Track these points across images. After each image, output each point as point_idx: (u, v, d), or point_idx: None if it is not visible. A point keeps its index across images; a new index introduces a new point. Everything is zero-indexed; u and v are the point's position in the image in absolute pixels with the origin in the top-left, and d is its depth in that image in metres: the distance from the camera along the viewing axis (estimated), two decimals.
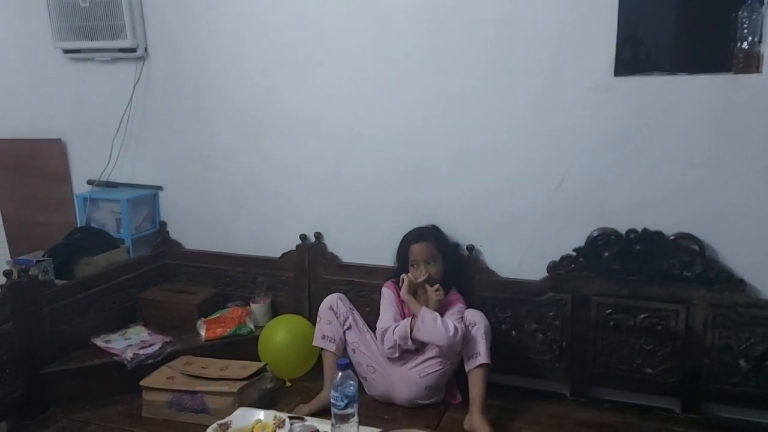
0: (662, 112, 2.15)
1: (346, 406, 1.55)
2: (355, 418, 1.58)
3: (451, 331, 2.13)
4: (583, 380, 2.36)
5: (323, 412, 2.19)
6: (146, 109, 2.93)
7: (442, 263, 2.33)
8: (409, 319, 2.24)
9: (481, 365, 2.14)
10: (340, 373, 1.57)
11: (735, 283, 2.12)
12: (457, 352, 2.19)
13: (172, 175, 2.99)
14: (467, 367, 2.17)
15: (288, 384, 2.50)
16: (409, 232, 2.40)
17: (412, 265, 2.32)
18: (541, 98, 2.28)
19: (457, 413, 2.24)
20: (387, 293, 2.38)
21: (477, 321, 2.19)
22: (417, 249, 2.34)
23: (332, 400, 1.56)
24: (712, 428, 2.15)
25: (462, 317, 2.23)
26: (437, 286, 2.25)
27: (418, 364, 2.25)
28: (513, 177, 2.38)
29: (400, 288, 2.30)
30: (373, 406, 2.30)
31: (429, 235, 2.39)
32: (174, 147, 2.94)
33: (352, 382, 1.58)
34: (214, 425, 1.67)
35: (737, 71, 2.05)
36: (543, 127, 2.30)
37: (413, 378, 2.25)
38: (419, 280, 2.26)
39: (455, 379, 2.32)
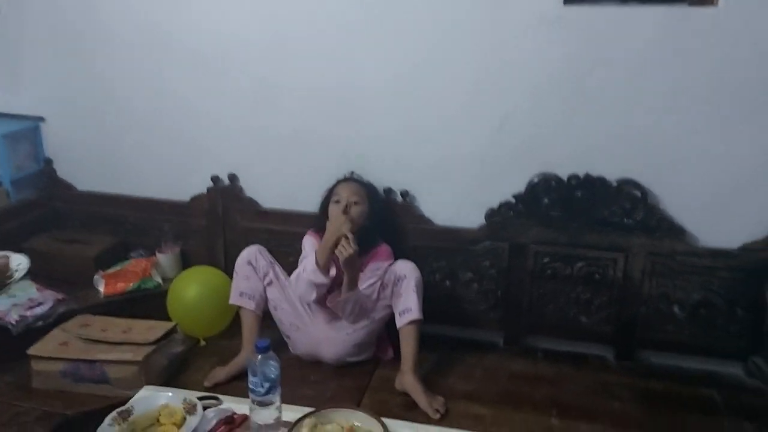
0: (612, 46, 1.98)
1: (267, 392, 1.35)
2: (278, 403, 1.39)
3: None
4: (517, 329, 2.28)
5: (241, 377, 2.01)
6: (20, 26, 2.47)
7: (369, 211, 2.10)
8: (314, 253, 2.02)
9: (412, 321, 1.99)
10: (259, 356, 1.35)
11: (675, 231, 2.05)
12: (370, 309, 2.04)
13: (56, 105, 2.58)
14: (398, 324, 2.01)
15: (202, 343, 2.28)
16: (344, 176, 2.19)
17: (336, 201, 2.08)
18: (484, 28, 2.05)
19: (388, 370, 2.11)
20: (308, 242, 2.14)
21: (407, 274, 2.01)
22: (344, 186, 2.12)
23: (251, 386, 1.36)
24: (645, 375, 2.13)
25: (382, 278, 2.04)
26: (351, 237, 1.96)
27: (343, 321, 2.08)
28: (451, 117, 2.17)
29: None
30: (297, 366, 2.12)
31: (361, 180, 2.17)
32: (57, 72, 2.52)
33: (273, 362, 1.37)
34: (113, 414, 1.43)
35: (692, 3, 1.90)
36: (485, 61, 2.08)
37: (340, 336, 2.08)
38: (341, 209, 2.03)
39: (386, 333, 2.17)
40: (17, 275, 1.75)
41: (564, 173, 2.10)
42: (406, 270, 2.02)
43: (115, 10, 2.38)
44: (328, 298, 2.06)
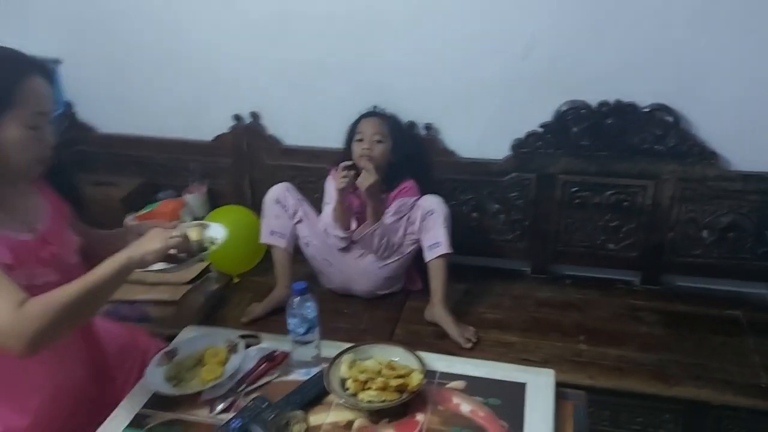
0: None
1: (306, 332, 1.39)
2: (316, 342, 1.43)
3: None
4: (544, 258, 2.30)
5: (277, 312, 2.08)
6: None
7: (391, 148, 2.08)
8: (331, 206, 2.07)
9: (441, 255, 2.01)
10: (297, 298, 1.38)
11: (707, 156, 2.01)
12: (398, 244, 2.07)
13: (73, 46, 2.50)
14: (426, 258, 2.04)
15: (236, 280, 2.33)
16: (366, 111, 2.15)
17: (359, 140, 2.07)
18: None
19: (417, 301, 2.16)
20: (330, 186, 2.14)
21: (435, 208, 2.02)
22: (366, 122, 2.09)
23: (290, 327, 1.40)
24: (671, 298, 2.16)
25: (408, 213, 2.06)
26: (371, 166, 1.98)
27: (374, 255, 2.11)
28: (474, 42, 2.08)
29: None
30: (330, 299, 2.18)
31: (384, 114, 2.14)
32: (71, 11, 2.43)
33: (311, 303, 1.40)
34: (160, 354, 1.49)
35: None
36: None
37: (372, 269, 2.12)
38: (358, 155, 2.02)
39: (414, 265, 2.20)
40: (213, 247, 1.42)
41: (593, 100, 2.04)
42: (434, 204, 2.03)
43: None
44: (356, 231, 2.09)
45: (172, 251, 1.30)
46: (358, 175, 1.98)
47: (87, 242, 1.44)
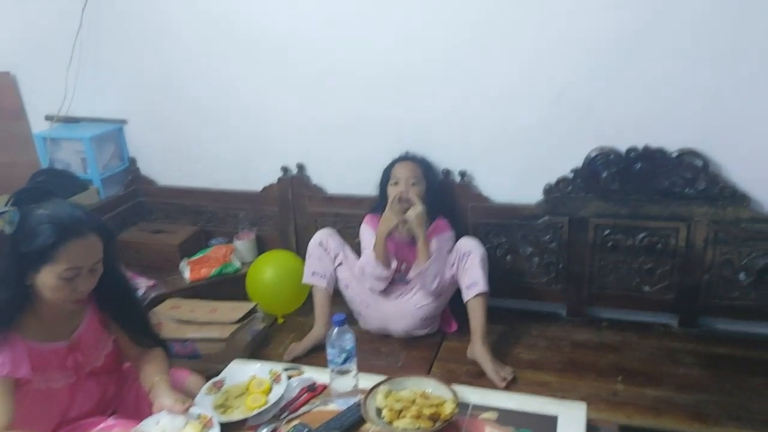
0: (668, 12, 1.96)
1: (344, 362, 1.48)
2: (354, 372, 1.51)
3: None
4: (580, 301, 2.33)
5: (317, 349, 2.17)
6: (100, 34, 2.65)
7: (426, 189, 2.19)
8: (369, 249, 2.16)
9: (479, 294, 2.08)
10: (336, 329, 1.48)
11: (739, 198, 2.05)
12: (437, 285, 2.12)
13: (136, 107, 2.77)
14: (465, 297, 2.11)
15: (281, 321, 2.44)
16: (399, 156, 2.29)
17: (395, 183, 2.18)
18: (538, 8, 2.07)
19: (454, 342, 2.22)
20: (365, 232, 2.25)
21: (472, 249, 2.10)
22: (401, 166, 2.21)
23: (329, 357, 1.49)
24: (709, 340, 2.15)
25: (451, 247, 2.15)
26: (416, 198, 2.09)
27: (413, 296, 2.20)
28: (506, 92, 2.21)
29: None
30: (369, 340, 2.26)
31: (416, 158, 2.27)
32: (136, 75, 2.70)
33: (349, 335, 1.49)
34: (208, 384, 1.60)
35: None
36: (538, 32, 2.11)
37: (409, 310, 2.20)
38: (398, 194, 2.11)
39: (449, 306, 2.28)
40: None
41: (622, 145, 2.11)
42: (471, 246, 2.11)
43: (182, 13, 2.52)
44: (409, 276, 2.17)
45: None
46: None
47: (122, 346, 1.62)
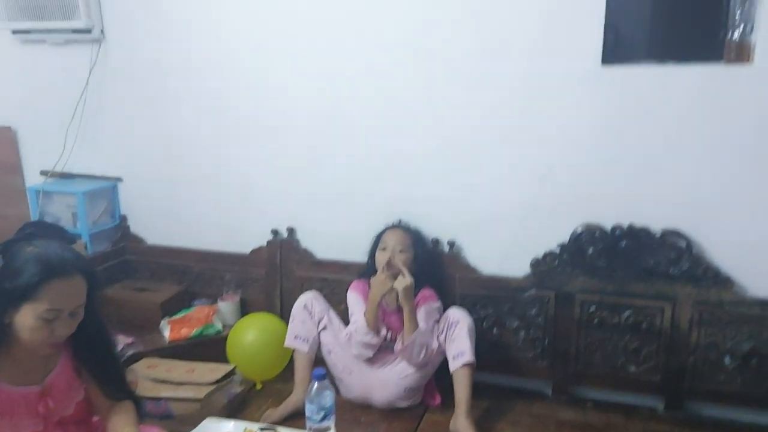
0: (651, 102, 2.07)
1: (322, 419, 1.44)
2: (333, 430, 1.47)
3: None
4: (565, 379, 2.29)
5: (294, 416, 2.10)
6: (103, 96, 2.73)
7: (413, 257, 2.20)
8: (362, 315, 2.14)
9: (465, 364, 2.05)
10: (316, 384, 1.45)
11: (722, 280, 2.07)
12: (422, 355, 2.09)
13: (132, 166, 2.81)
14: (452, 367, 2.08)
15: (259, 387, 2.37)
16: (390, 224, 2.32)
17: (383, 249, 2.19)
18: (525, 87, 2.18)
19: (436, 415, 2.16)
20: (352, 299, 2.24)
21: (460, 319, 2.10)
22: (390, 234, 2.23)
23: (308, 413, 1.45)
24: (696, 426, 2.11)
25: (436, 317, 2.15)
26: (405, 270, 2.08)
27: (397, 365, 2.16)
28: (495, 170, 2.28)
29: (369, 285, 2.17)
30: (349, 408, 2.19)
31: (406, 227, 2.30)
32: (134, 136, 2.76)
33: (329, 392, 1.46)
34: None
35: (728, 61, 1.98)
36: (527, 118, 2.20)
37: (392, 380, 2.15)
38: (386, 260, 2.11)
39: (434, 378, 2.23)
40: None
41: (608, 223, 2.16)
42: (459, 315, 2.11)
43: (182, 87, 2.62)
44: (395, 348, 2.14)
45: None
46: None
47: (92, 397, 1.56)
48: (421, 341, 2.08)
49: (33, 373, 1.44)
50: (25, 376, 1.43)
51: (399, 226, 2.30)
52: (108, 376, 1.57)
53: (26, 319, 1.34)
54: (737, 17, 1.93)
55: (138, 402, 1.62)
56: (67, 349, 1.51)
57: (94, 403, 1.57)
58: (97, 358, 1.55)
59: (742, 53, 1.95)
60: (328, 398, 1.45)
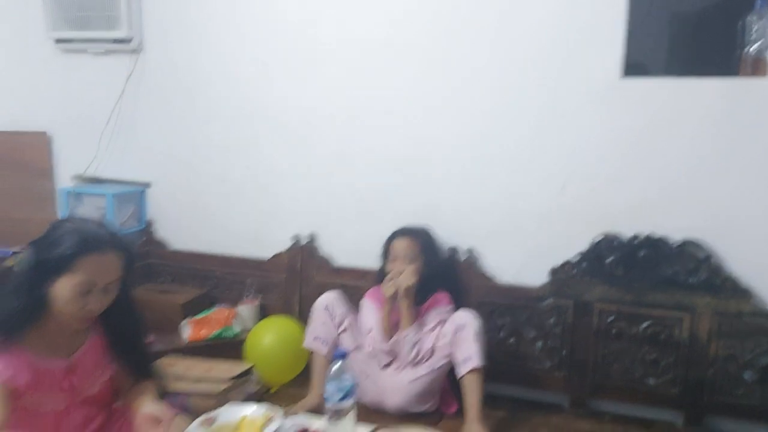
0: (669, 115, 2.12)
1: (342, 399, 1.45)
2: (353, 413, 1.48)
3: None
4: (583, 391, 2.27)
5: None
6: (137, 104, 2.84)
7: (424, 263, 2.20)
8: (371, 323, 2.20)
9: (473, 369, 2.03)
10: (339, 362, 1.47)
11: (741, 291, 2.07)
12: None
13: (161, 172, 2.89)
14: (459, 373, 2.07)
15: (273, 390, 2.38)
16: (398, 229, 2.32)
17: (392, 260, 2.22)
18: (546, 99, 2.24)
19: (452, 422, 2.14)
20: (365, 303, 2.28)
21: (467, 322, 2.07)
22: (398, 244, 2.24)
23: (327, 394, 1.46)
24: None
25: (444, 319, 2.15)
26: (411, 269, 2.14)
27: (406, 368, 2.16)
28: (515, 180, 2.32)
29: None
30: (362, 414, 2.17)
31: (415, 233, 2.28)
32: (164, 143, 2.85)
33: (347, 375, 1.48)
34: (200, 418, 1.55)
35: (745, 75, 2.03)
36: (547, 128, 2.26)
37: (402, 383, 2.14)
38: (389, 276, 2.16)
39: (450, 386, 2.22)
40: None
41: (627, 232, 2.18)
42: (466, 319, 2.09)
43: (215, 95, 2.72)
44: (388, 342, 2.17)
45: None
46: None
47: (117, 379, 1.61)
48: (413, 340, 2.09)
49: (62, 348, 1.48)
50: (54, 350, 1.46)
51: (406, 232, 2.28)
52: (134, 355, 1.61)
53: (62, 290, 1.38)
54: (753, 32, 1.99)
55: (161, 382, 1.64)
56: (97, 327, 1.55)
57: (118, 384, 1.60)
58: (126, 336, 1.59)
59: (757, 68, 2.00)
60: (348, 380, 1.47)
